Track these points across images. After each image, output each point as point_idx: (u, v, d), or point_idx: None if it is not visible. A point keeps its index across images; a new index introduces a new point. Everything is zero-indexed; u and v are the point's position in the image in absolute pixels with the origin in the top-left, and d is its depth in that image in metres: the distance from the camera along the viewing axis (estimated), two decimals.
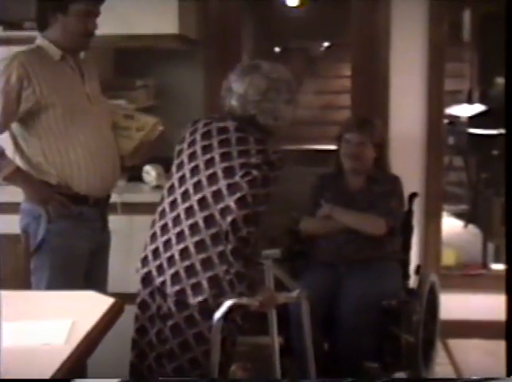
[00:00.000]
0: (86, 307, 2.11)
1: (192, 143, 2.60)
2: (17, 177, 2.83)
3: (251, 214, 2.44)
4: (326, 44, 8.32)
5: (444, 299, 3.81)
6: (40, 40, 2.90)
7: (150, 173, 3.71)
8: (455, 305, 4.05)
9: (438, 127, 4.18)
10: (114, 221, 3.31)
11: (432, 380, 3.37)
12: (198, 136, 2.60)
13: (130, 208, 3.50)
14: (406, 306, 3.45)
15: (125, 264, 3.39)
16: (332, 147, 3.72)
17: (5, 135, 2.89)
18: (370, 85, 4.21)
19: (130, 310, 2.91)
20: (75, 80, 2.93)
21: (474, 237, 5.88)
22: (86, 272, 2.99)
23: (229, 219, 2.43)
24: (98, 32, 3.42)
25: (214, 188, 2.48)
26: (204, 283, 2.45)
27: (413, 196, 3.71)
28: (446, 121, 5.85)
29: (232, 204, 2.44)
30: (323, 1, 7.25)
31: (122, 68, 4.23)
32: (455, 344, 4.01)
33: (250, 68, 2.61)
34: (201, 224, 2.48)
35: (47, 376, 1.63)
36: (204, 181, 2.51)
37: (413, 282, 3.67)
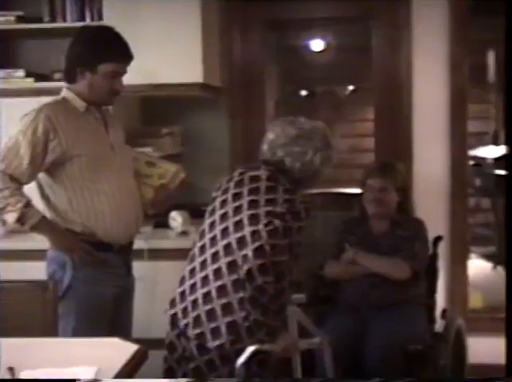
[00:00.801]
0: (110, 354, 2.13)
1: (226, 191, 2.68)
2: (43, 226, 2.89)
3: (268, 264, 2.46)
4: (351, 87, 8.39)
5: (472, 343, 3.78)
6: (65, 93, 2.98)
7: (176, 219, 3.75)
8: (483, 348, 4.01)
9: (462, 170, 4.18)
10: (141, 267, 3.36)
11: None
12: (232, 184, 2.68)
13: (156, 255, 3.53)
14: (433, 351, 3.42)
15: (150, 310, 3.43)
16: (358, 191, 3.75)
17: (32, 185, 2.95)
18: (393, 129, 4.23)
19: (156, 355, 2.97)
20: (99, 130, 3.00)
21: (503, 279, 5.77)
22: (110, 318, 3.01)
23: (245, 267, 2.47)
24: (125, 82, 3.52)
25: (239, 234, 2.53)
26: (223, 328, 2.48)
27: (437, 239, 3.71)
28: (472, 163, 5.86)
29: (250, 253, 2.48)
30: (348, 46, 7.33)
31: (148, 116, 4.30)
32: None
33: (286, 120, 2.72)
34: (224, 269, 2.52)
35: None
36: (231, 228, 2.56)
37: (439, 326, 3.65)
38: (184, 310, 2.59)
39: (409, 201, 3.75)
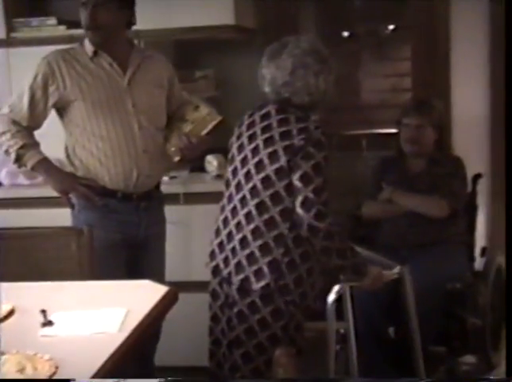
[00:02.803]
0: (141, 296, 2.16)
1: (240, 135, 2.67)
2: (40, 167, 2.99)
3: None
4: (391, 26, 8.19)
5: None
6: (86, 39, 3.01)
7: (212, 162, 3.75)
8: None
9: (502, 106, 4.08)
10: (177, 211, 3.40)
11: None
12: (244, 127, 2.66)
13: (193, 198, 3.55)
14: (472, 289, 3.41)
15: (188, 253, 3.47)
16: (395, 130, 3.69)
17: (41, 131, 3.05)
18: (430, 67, 4.13)
19: (197, 298, 3.02)
20: (110, 75, 2.98)
21: None
22: (129, 264, 3.03)
23: (281, 207, 2.49)
24: (155, 26, 3.50)
25: (262, 175, 2.52)
26: (265, 268, 2.50)
27: (477, 177, 3.65)
28: None
29: (282, 191, 2.48)
30: None
31: (182, 60, 4.26)
32: None
33: (276, 50, 2.60)
34: (254, 211, 2.52)
35: (100, 363, 1.69)
36: (253, 170, 2.55)
37: (478, 264, 3.62)
38: (225, 260, 2.61)
39: (447, 139, 3.68)
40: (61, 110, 2.98)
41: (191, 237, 3.52)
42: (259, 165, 2.54)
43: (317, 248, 2.50)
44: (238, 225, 2.57)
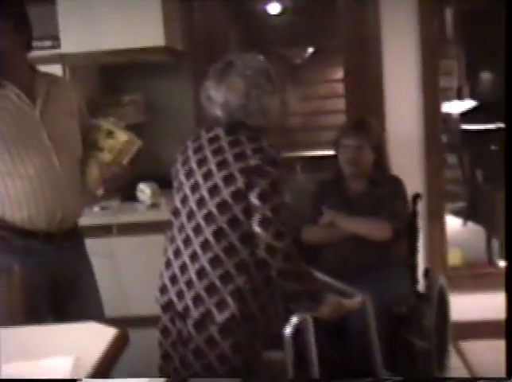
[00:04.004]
0: (87, 340, 1.97)
1: (186, 161, 2.52)
2: None
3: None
4: (311, 49, 8.26)
5: (453, 301, 3.72)
6: None
7: (145, 191, 3.59)
8: (465, 306, 3.96)
9: (435, 125, 4.09)
10: (111, 243, 3.24)
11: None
12: (190, 152, 2.52)
13: (126, 229, 3.38)
14: (417, 311, 3.35)
15: (125, 287, 3.31)
16: (328, 153, 3.62)
17: None
18: (363, 87, 4.11)
19: (136, 333, 2.83)
20: (19, 107, 2.68)
21: (475, 234, 5.82)
22: (57, 307, 2.77)
23: (240, 232, 2.37)
24: (81, 49, 3.34)
25: (217, 199, 2.40)
26: (228, 298, 2.37)
27: (416, 197, 3.60)
28: None
29: (240, 215, 2.37)
30: (308, 7, 7.20)
31: (109, 85, 4.12)
32: (469, 346, 3.90)
33: (222, 70, 2.47)
34: (211, 239, 2.39)
35: None
36: (206, 196, 2.42)
37: (421, 286, 3.58)
38: (179, 294, 2.45)
39: (385, 159, 3.63)
40: None
41: (127, 269, 3.35)
42: (214, 190, 2.40)
43: (275, 271, 2.38)
44: (194, 256, 2.42)
